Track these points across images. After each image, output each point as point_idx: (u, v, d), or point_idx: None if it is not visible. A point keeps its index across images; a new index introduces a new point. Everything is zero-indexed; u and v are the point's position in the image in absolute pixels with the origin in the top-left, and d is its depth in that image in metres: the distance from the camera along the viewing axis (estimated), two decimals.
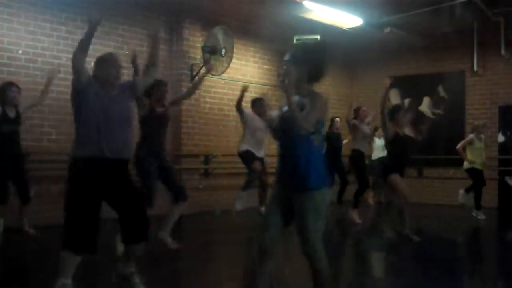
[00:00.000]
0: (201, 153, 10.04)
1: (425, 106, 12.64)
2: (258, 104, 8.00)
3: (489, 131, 11.60)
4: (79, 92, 3.88)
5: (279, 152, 3.42)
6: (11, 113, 6.75)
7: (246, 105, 8.25)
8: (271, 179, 9.06)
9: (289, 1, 9.14)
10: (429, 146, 12.32)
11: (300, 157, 3.23)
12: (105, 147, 3.82)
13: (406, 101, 12.90)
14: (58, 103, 7.88)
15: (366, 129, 8.77)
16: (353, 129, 8.75)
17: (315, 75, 3.39)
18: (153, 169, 5.65)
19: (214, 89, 10.45)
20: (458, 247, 7.68)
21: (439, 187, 11.92)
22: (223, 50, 9.58)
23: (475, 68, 11.80)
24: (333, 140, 9.64)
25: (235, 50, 9.91)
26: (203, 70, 9.79)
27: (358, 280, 5.40)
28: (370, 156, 9.86)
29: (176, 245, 5.90)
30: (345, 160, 9.60)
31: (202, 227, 8.57)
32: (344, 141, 10.09)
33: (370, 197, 11.59)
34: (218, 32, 9.59)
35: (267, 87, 11.48)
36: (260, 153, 8.01)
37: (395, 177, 6.68)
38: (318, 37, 10.84)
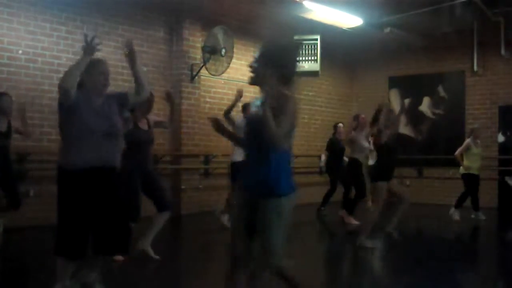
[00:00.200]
0: (201, 153, 10.03)
1: (425, 106, 12.64)
2: (247, 109, 7.93)
3: (489, 131, 11.61)
4: (66, 107, 3.82)
5: (246, 155, 3.20)
6: (3, 126, 6.36)
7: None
8: None
9: (289, 1, 9.14)
10: (429, 146, 12.34)
11: (271, 162, 3.01)
12: (88, 158, 3.77)
13: (406, 101, 12.90)
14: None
15: (364, 142, 8.64)
16: (351, 142, 8.75)
17: (286, 76, 3.11)
18: (136, 184, 5.43)
19: (214, 89, 10.46)
20: (458, 247, 7.68)
21: (439, 187, 11.92)
22: (223, 50, 9.58)
23: (475, 68, 11.80)
24: (335, 145, 9.65)
25: (235, 50, 9.91)
26: (203, 70, 9.82)
27: (358, 280, 5.40)
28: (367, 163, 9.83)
29: (157, 256, 5.73)
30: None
31: (202, 227, 8.57)
32: None
33: (369, 200, 11.58)
34: (218, 32, 9.59)
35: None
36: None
37: (381, 185, 6.56)
38: (318, 37, 10.86)
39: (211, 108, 10.40)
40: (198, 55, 9.90)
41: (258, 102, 3.10)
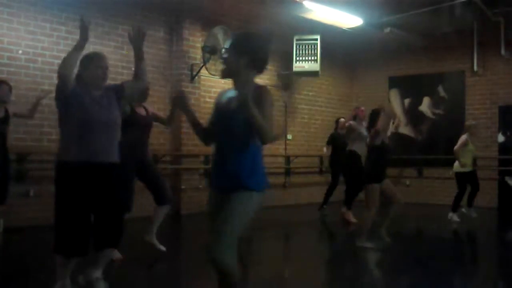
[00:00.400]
0: (201, 153, 10.03)
1: (425, 106, 12.64)
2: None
3: (489, 131, 11.61)
4: (64, 97, 3.83)
5: (216, 149, 3.01)
6: (0, 113, 6.52)
7: None
8: (270, 179, 9.06)
9: (289, 1, 9.14)
10: (429, 146, 12.34)
11: (245, 155, 2.88)
12: (89, 151, 3.77)
13: (406, 101, 12.91)
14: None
15: (364, 130, 8.65)
16: (349, 131, 8.69)
17: (257, 66, 3.00)
18: (132, 174, 5.41)
19: (214, 89, 10.45)
20: (458, 247, 7.68)
21: (439, 187, 11.92)
22: (223, 50, 9.58)
23: (475, 68, 11.80)
24: (337, 140, 9.65)
25: None
26: (203, 70, 9.82)
27: (358, 280, 5.40)
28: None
29: (163, 247, 5.78)
30: None
31: (202, 227, 8.56)
32: None
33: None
34: (218, 32, 9.59)
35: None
36: None
37: (375, 188, 6.51)
38: (318, 37, 10.87)
39: (211, 108, 10.38)
40: (198, 55, 9.90)
41: (229, 93, 3.00)
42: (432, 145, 12.29)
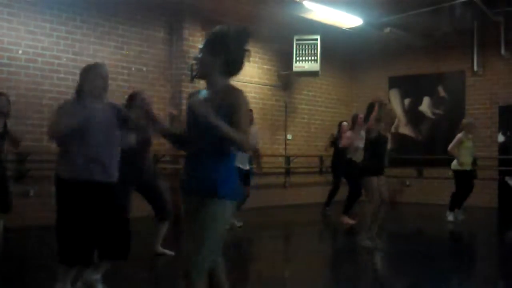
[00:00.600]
0: None
1: (425, 106, 12.64)
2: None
3: (489, 131, 11.61)
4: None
5: (190, 153, 2.89)
6: None
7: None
8: (270, 179, 9.09)
9: (289, 1, 9.14)
10: (429, 146, 12.33)
11: (212, 162, 2.75)
12: (91, 169, 3.74)
13: (406, 101, 12.91)
14: (58, 103, 7.84)
15: (360, 142, 8.59)
16: (345, 136, 8.75)
17: (232, 67, 2.82)
18: (131, 188, 5.37)
19: None
20: (458, 247, 7.68)
21: (439, 187, 11.90)
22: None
23: (475, 68, 11.80)
24: (339, 144, 9.65)
25: None
26: None
27: (358, 280, 5.40)
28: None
29: (172, 252, 5.87)
30: None
31: None
32: None
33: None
34: None
35: (268, 87, 11.50)
36: (245, 166, 7.89)
37: (371, 180, 6.50)
38: (318, 37, 10.87)
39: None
40: (198, 55, 9.89)
41: (201, 94, 2.85)
42: (432, 145, 12.28)
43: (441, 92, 12.41)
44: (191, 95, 2.96)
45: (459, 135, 8.89)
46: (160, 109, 8.30)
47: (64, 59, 8.19)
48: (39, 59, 8.01)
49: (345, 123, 9.92)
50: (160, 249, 5.82)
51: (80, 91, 3.89)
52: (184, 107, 9.65)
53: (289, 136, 11.90)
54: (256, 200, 8.43)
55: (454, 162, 8.91)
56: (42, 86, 7.94)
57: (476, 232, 8.90)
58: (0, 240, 6.46)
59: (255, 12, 9.69)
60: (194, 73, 2.64)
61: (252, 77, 11.16)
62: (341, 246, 7.55)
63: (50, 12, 8.12)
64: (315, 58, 10.91)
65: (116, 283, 4.59)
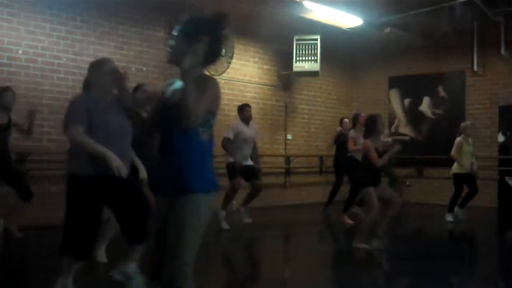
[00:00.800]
0: None
1: (425, 106, 12.64)
2: (245, 109, 7.96)
3: (489, 131, 11.61)
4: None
5: (159, 147, 2.72)
6: (3, 119, 6.43)
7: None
8: (270, 179, 9.09)
9: (289, 1, 9.14)
10: (429, 146, 12.34)
11: (185, 154, 2.58)
12: (105, 165, 3.72)
13: (406, 101, 12.91)
14: (58, 103, 7.87)
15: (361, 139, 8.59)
16: (349, 139, 8.75)
17: (209, 56, 2.69)
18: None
19: None
20: (458, 247, 7.68)
21: (439, 187, 11.90)
22: (223, 50, 9.57)
23: (475, 68, 11.80)
24: (341, 141, 9.65)
25: (235, 50, 9.91)
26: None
27: (358, 280, 5.40)
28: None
29: None
30: None
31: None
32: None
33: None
34: None
35: (268, 87, 11.50)
36: (248, 161, 7.92)
37: (369, 191, 6.51)
38: (318, 37, 10.87)
39: None
40: None
41: (175, 84, 2.69)
42: (432, 145, 12.29)
43: (441, 92, 12.41)
44: (165, 86, 2.77)
45: (458, 139, 8.85)
46: None
47: (64, 59, 8.19)
48: (39, 59, 8.01)
49: (346, 120, 9.93)
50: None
51: (88, 85, 3.90)
52: None
53: (289, 136, 11.90)
54: (256, 200, 8.43)
55: (455, 165, 8.89)
56: (42, 86, 7.94)
57: (476, 232, 8.90)
58: (0, 240, 6.47)
59: (255, 12, 9.69)
60: (167, 58, 2.51)
61: (252, 77, 11.17)
62: (341, 246, 7.55)
63: (50, 12, 8.12)
64: (315, 58, 10.92)
65: (114, 284, 4.59)
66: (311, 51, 10.93)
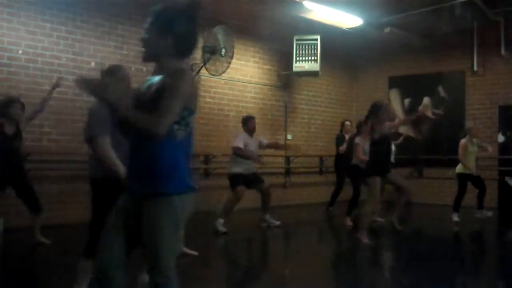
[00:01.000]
0: (201, 153, 10.03)
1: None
2: (250, 121, 7.97)
3: (489, 131, 11.61)
4: None
5: (130, 145, 2.57)
6: (10, 130, 6.37)
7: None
8: (270, 179, 9.09)
9: (289, 1, 9.14)
10: (429, 146, 12.34)
11: (157, 153, 2.43)
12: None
13: (406, 101, 12.91)
14: (58, 103, 7.88)
15: (367, 146, 8.53)
16: (356, 147, 8.71)
17: (183, 48, 2.54)
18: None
19: (214, 89, 10.46)
20: (458, 247, 7.68)
21: (439, 187, 11.91)
22: (223, 50, 9.57)
23: (475, 68, 11.80)
24: (342, 142, 9.63)
25: (235, 50, 9.90)
26: (203, 70, 9.81)
27: (358, 280, 5.40)
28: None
29: (194, 252, 5.85)
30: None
31: (202, 227, 8.56)
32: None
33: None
34: (218, 32, 9.57)
35: (268, 87, 11.50)
36: (250, 170, 7.91)
37: (375, 180, 6.52)
38: (318, 37, 10.87)
39: (211, 108, 10.41)
40: (198, 55, 9.88)
41: (153, 79, 2.57)
42: (432, 145, 12.29)
43: (441, 92, 12.42)
44: (144, 82, 2.69)
45: (463, 141, 8.86)
46: None
47: (64, 59, 8.19)
48: (39, 59, 8.01)
49: (347, 122, 9.90)
50: (184, 248, 5.69)
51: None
52: None
53: (289, 136, 11.90)
54: (256, 200, 8.43)
55: (459, 166, 8.90)
56: (42, 86, 7.93)
57: (476, 232, 8.90)
58: (0, 240, 6.46)
59: (255, 12, 9.70)
60: (142, 57, 2.41)
61: (252, 77, 11.17)
62: (342, 246, 7.55)
63: (50, 12, 8.12)
64: (315, 58, 10.92)
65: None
66: (311, 51, 10.93)
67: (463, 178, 8.87)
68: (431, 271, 5.49)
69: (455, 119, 12.05)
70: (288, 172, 11.84)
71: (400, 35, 11.32)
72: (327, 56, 11.32)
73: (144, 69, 9.28)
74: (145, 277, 4.26)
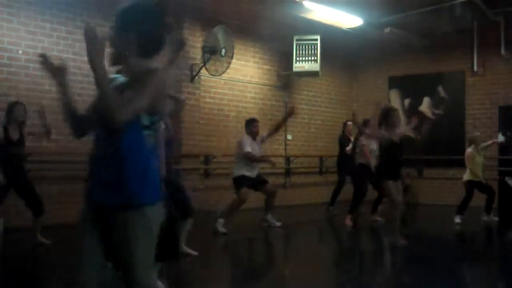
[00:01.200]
0: (201, 153, 10.03)
1: (425, 106, 12.64)
2: (252, 124, 7.94)
3: (489, 131, 11.61)
4: None
5: (92, 151, 2.39)
6: (15, 135, 6.40)
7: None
8: (270, 180, 9.08)
9: (289, 1, 9.14)
10: (429, 147, 12.33)
11: (127, 161, 2.25)
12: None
13: (406, 101, 12.90)
14: (58, 103, 7.86)
15: (373, 145, 8.49)
16: (361, 147, 8.71)
17: (149, 47, 2.41)
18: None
19: (214, 89, 10.45)
20: (459, 247, 7.68)
21: (440, 187, 11.91)
22: (223, 50, 9.58)
23: (475, 68, 11.81)
24: (345, 144, 9.63)
25: (235, 50, 9.91)
26: (203, 71, 9.82)
27: (358, 280, 5.40)
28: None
29: (195, 252, 5.84)
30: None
31: (202, 227, 8.55)
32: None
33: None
34: (218, 32, 9.58)
35: (268, 87, 11.49)
36: (254, 172, 7.91)
37: (389, 184, 6.55)
38: (318, 37, 10.87)
39: (211, 109, 10.40)
40: (198, 55, 9.90)
41: (119, 79, 2.46)
42: (432, 145, 12.28)
43: (441, 92, 12.41)
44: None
45: (469, 150, 8.91)
46: None
47: (64, 59, 8.18)
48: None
49: (349, 122, 9.89)
50: (185, 248, 5.71)
51: None
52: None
53: (289, 136, 11.90)
54: (257, 200, 8.43)
55: (468, 173, 8.90)
56: (42, 86, 7.93)
57: (476, 232, 8.90)
58: (0, 240, 6.47)
59: (255, 12, 9.69)
60: (110, 60, 2.24)
61: (252, 77, 11.16)
62: (342, 246, 7.55)
63: (50, 12, 8.12)
64: (315, 58, 10.92)
65: (113, 286, 4.58)
66: (311, 51, 10.93)
67: (471, 186, 8.88)
68: (432, 270, 5.49)
69: (455, 119, 12.05)
70: (288, 173, 11.84)
71: (400, 35, 11.32)
72: (327, 56, 11.32)
73: None
74: None
